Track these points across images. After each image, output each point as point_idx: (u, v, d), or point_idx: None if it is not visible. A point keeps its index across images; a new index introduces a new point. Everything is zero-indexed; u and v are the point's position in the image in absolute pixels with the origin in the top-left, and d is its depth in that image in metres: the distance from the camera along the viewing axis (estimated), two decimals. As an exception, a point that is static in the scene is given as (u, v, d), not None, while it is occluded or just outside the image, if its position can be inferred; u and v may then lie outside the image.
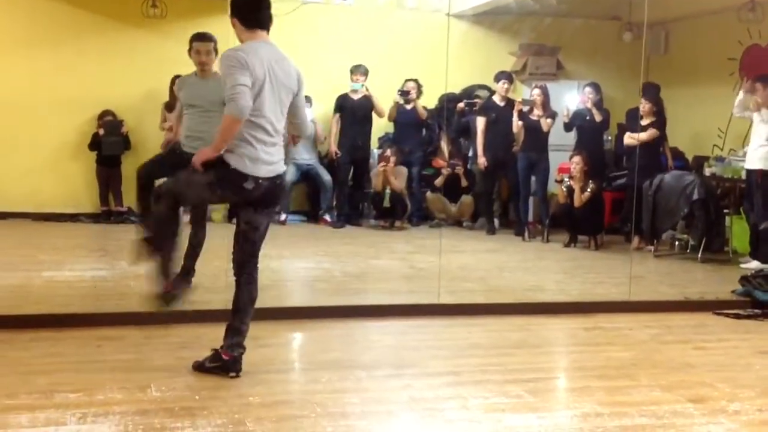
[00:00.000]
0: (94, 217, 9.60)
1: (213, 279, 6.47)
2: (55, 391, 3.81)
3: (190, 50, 5.88)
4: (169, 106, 9.60)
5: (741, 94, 8.07)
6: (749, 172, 7.89)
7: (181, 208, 4.85)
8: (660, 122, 8.79)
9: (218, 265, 6.65)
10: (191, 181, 4.08)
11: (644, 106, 8.74)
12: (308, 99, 9.81)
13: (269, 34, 4.16)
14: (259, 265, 4.23)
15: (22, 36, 9.49)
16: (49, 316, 5.09)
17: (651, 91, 8.95)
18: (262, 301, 5.96)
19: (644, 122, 8.73)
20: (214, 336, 4.86)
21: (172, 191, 4.11)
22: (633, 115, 9.13)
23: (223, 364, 4.15)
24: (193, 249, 5.84)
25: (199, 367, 4.22)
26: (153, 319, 5.14)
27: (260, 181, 4.00)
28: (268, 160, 4.03)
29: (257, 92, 3.94)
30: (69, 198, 9.68)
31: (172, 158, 5.79)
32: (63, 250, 7.69)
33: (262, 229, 4.18)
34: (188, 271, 5.73)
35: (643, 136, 8.62)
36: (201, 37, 5.84)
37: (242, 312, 4.21)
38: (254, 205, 4.10)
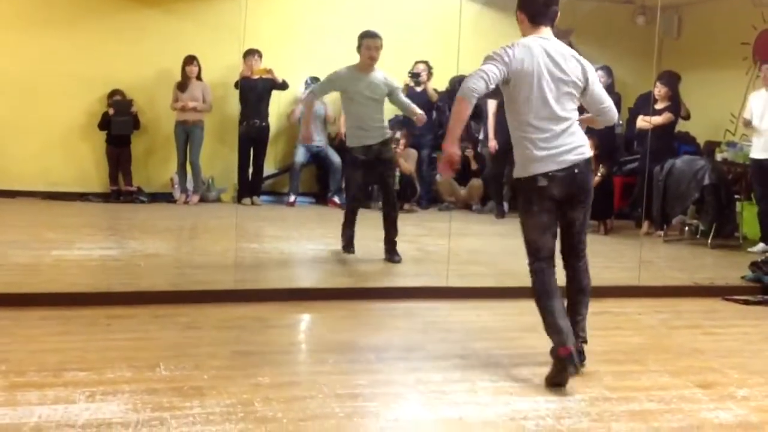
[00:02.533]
0: (104, 197, 9.63)
1: (222, 258, 6.50)
2: (65, 370, 3.82)
3: (359, 47, 6.50)
4: (181, 86, 9.62)
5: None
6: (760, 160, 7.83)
7: None
8: (675, 107, 8.73)
9: (227, 245, 6.68)
10: (524, 225, 4.05)
11: (660, 89, 8.66)
12: (318, 80, 9.83)
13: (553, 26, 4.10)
14: (586, 257, 4.20)
15: (33, 15, 9.47)
16: (59, 294, 5.11)
17: (669, 78, 8.85)
18: (271, 282, 6.02)
19: (659, 106, 8.67)
20: (222, 315, 4.91)
21: (528, 249, 4.07)
22: (643, 101, 9.07)
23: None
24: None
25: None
26: (161, 298, 5.18)
27: (550, 174, 3.93)
28: (548, 155, 3.93)
29: (521, 89, 3.93)
30: (78, 177, 9.71)
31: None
32: (72, 229, 7.70)
33: (577, 225, 4.10)
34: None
35: (658, 119, 8.56)
36: (372, 35, 6.50)
37: (572, 303, 4.15)
38: (564, 201, 4.00)
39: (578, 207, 4.05)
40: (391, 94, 6.64)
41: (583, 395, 3.83)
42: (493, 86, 3.90)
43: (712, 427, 3.52)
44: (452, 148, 3.93)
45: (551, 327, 3.93)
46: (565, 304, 4.10)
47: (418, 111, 6.81)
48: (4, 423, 3.20)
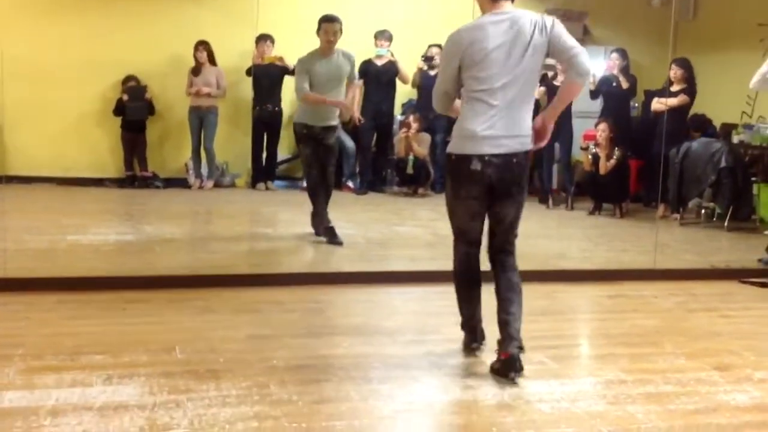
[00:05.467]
0: (119, 182, 9.68)
1: (237, 243, 6.52)
2: (81, 353, 3.84)
3: (318, 30, 6.66)
4: (195, 71, 9.62)
5: (766, 66, 7.91)
6: None
7: None
8: (690, 89, 8.66)
9: (241, 230, 6.71)
10: (451, 210, 3.86)
11: (675, 72, 8.61)
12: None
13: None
14: (515, 257, 3.88)
15: (46, 0, 9.49)
16: (75, 278, 5.13)
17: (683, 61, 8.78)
18: (285, 266, 6.03)
19: (674, 88, 8.61)
20: (237, 299, 4.92)
21: (454, 231, 3.89)
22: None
23: (500, 365, 3.74)
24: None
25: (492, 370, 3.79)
26: (177, 282, 5.19)
27: (487, 158, 3.60)
28: (490, 134, 3.61)
29: (468, 64, 3.66)
30: (94, 163, 9.76)
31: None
32: (88, 214, 7.74)
33: (507, 222, 3.78)
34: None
35: (673, 101, 8.51)
36: (330, 19, 6.64)
37: (503, 302, 3.82)
38: (493, 191, 3.69)
39: (509, 201, 3.72)
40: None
41: (598, 378, 3.82)
42: (454, 87, 3.78)
43: (729, 409, 3.50)
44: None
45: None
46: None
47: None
48: (22, 406, 3.22)
